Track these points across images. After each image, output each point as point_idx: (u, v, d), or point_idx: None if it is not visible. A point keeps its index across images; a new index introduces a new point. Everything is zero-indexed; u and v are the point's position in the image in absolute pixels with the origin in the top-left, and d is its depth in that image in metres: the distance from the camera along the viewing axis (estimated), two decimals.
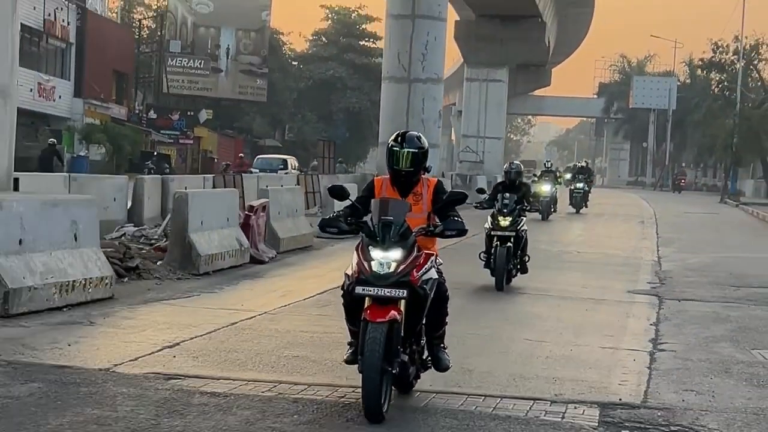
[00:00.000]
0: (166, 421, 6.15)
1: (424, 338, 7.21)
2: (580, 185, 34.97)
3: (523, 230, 14.61)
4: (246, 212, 15.98)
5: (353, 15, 79.42)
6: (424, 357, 7.29)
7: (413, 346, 7.01)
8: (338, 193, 7.34)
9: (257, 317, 10.58)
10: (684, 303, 13.55)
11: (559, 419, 6.74)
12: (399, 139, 7.29)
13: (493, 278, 14.01)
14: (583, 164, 37.98)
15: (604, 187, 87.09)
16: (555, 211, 32.34)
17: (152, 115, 58.34)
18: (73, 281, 10.48)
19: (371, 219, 6.97)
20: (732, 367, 8.99)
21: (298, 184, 27.51)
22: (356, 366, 6.57)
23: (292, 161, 45.88)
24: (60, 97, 46.78)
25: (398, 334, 6.60)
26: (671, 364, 8.99)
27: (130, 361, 8.01)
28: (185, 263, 13.72)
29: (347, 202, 7.28)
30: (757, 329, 11.41)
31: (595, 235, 26.08)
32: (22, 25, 42.48)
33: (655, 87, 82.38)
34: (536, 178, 32.29)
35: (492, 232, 14.41)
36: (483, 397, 7.26)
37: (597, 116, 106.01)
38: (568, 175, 38.47)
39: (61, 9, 46.69)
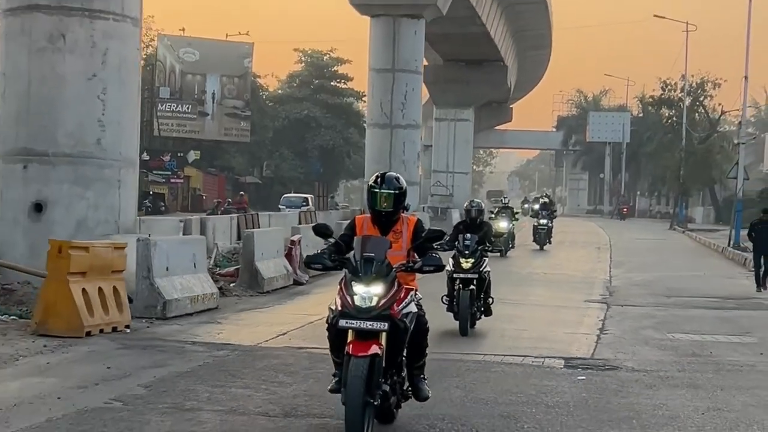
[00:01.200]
0: (319, 364, 10.73)
1: (405, 369, 7.59)
2: (543, 221, 34.66)
3: (486, 272, 14.39)
4: (289, 245, 20.56)
5: (325, 58, 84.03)
6: (405, 387, 7.67)
7: (394, 377, 7.40)
8: (322, 231, 7.75)
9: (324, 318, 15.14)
10: (625, 307, 18.23)
11: (540, 364, 11.36)
12: (379, 180, 7.71)
13: (457, 322, 13.82)
14: (546, 200, 38.50)
15: (565, 216, 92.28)
16: (513, 247, 32.25)
17: (145, 156, 62.58)
18: (197, 295, 15.02)
19: (354, 256, 7.32)
20: (649, 341, 13.68)
21: (300, 222, 32.03)
22: (341, 395, 7.05)
23: (311, 199, 51.25)
24: None
25: (380, 368, 7.00)
26: (610, 340, 13.65)
27: (264, 341, 12.55)
28: (253, 284, 18.29)
29: (331, 240, 7.67)
30: (674, 322, 16.11)
31: (558, 260, 30.68)
32: None
33: (610, 122, 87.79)
34: (493, 215, 31.54)
35: (454, 275, 14.11)
36: (494, 355, 11.87)
37: (556, 148, 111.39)
38: (536, 206, 38.26)
39: None
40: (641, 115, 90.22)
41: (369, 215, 7.83)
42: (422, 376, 7.79)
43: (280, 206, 47.00)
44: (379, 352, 6.97)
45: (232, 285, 18.26)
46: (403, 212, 7.83)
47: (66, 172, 15.65)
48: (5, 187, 15.96)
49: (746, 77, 35.00)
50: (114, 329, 12.56)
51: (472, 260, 14.09)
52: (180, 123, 66.40)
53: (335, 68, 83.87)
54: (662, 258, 33.20)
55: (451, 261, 14.03)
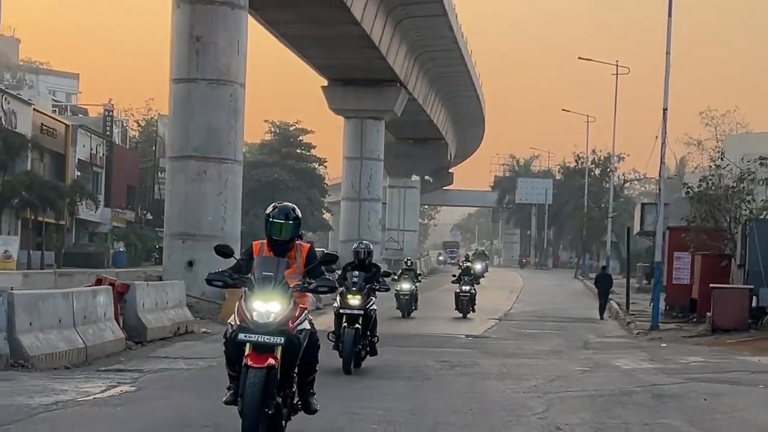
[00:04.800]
0: None
1: (296, 384, 8.28)
2: (466, 288, 33.15)
3: (372, 309, 14.59)
4: None
5: (292, 128, 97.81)
6: (295, 401, 8.38)
7: (286, 390, 8.07)
8: (223, 251, 8.51)
9: None
10: (509, 321, 32.11)
11: (453, 336, 25.12)
12: (276, 211, 8.41)
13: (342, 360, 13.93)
14: (469, 263, 39.46)
15: (500, 266, 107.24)
16: (416, 308, 32.40)
17: (149, 216, 75.96)
18: None
19: (253, 275, 8.03)
20: (510, 332, 27.49)
21: None
22: (237, 407, 7.79)
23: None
24: (97, 208, 64.32)
25: (275, 379, 7.70)
26: (492, 332, 27.38)
27: None
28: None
29: (232, 259, 8.45)
30: (529, 327, 29.79)
31: (478, 298, 44.36)
32: (78, 159, 60.55)
33: (536, 186, 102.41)
34: (396, 277, 31.34)
35: (340, 311, 14.22)
36: (429, 334, 25.61)
37: (492, 206, 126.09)
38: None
39: (100, 145, 64.66)
40: (563, 179, 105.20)
41: (266, 241, 8.44)
42: (312, 390, 8.50)
43: None
44: (275, 364, 7.66)
45: None
46: (297, 240, 8.49)
47: (205, 244, 29.04)
48: (171, 253, 29.55)
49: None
50: None
51: (359, 297, 14.33)
52: None
53: (300, 138, 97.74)
54: (553, 297, 47.31)
55: (338, 297, 14.49)
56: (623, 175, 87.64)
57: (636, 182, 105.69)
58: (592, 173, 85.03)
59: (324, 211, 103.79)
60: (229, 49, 29.24)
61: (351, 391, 12.52)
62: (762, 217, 28.49)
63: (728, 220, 29.41)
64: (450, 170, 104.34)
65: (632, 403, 11.46)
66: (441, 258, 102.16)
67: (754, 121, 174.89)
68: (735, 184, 29.75)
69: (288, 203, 8.60)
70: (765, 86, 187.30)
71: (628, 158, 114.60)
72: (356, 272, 14.51)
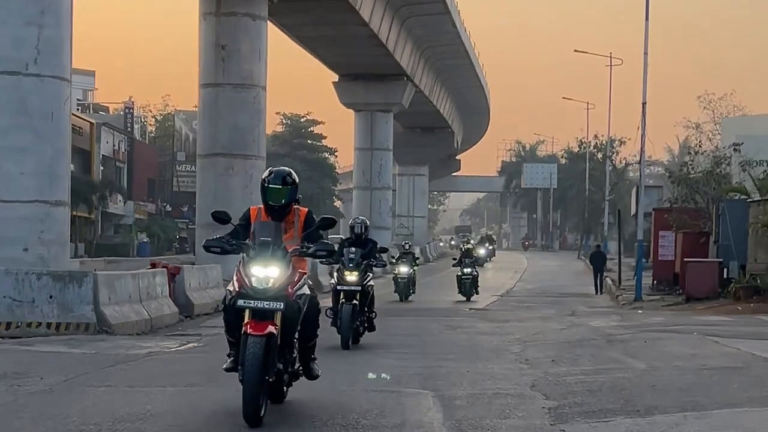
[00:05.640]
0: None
1: (297, 350, 8.35)
2: (468, 270, 32.73)
3: (369, 285, 14.59)
4: None
5: (302, 120, 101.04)
6: (296, 367, 8.43)
7: (287, 356, 8.15)
8: (220, 217, 8.57)
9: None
10: (510, 297, 35.30)
11: (458, 309, 28.32)
12: (272, 177, 8.37)
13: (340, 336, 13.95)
14: (469, 246, 41.85)
15: (508, 249, 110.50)
16: (414, 292, 32.28)
17: (168, 208, 79.28)
18: None
19: (252, 240, 8.11)
20: (509, 305, 30.68)
21: None
22: (237, 374, 7.81)
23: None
24: (125, 202, 67.67)
25: (275, 346, 7.74)
26: (494, 305, 30.55)
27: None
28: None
29: (230, 227, 8.53)
30: (528, 301, 32.99)
31: (485, 278, 47.45)
32: (102, 155, 63.83)
33: (540, 171, 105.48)
34: (394, 260, 32.75)
35: (338, 287, 14.24)
36: (438, 308, 28.83)
37: (500, 191, 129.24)
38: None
39: (122, 141, 67.99)
40: (567, 164, 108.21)
41: (262, 206, 8.53)
42: (313, 356, 8.66)
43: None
44: (275, 331, 7.73)
45: None
46: (294, 204, 8.55)
47: None
48: (202, 241, 32.67)
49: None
50: None
51: (357, 273, 14.34)
52: (194, 180, 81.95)
53: (311, 129, 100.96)
54: (553, 276, 50.50)
55: (335, 274, 14.68)
56: (625, 159, 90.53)
57: (639, 164, 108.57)
58: (595, 157, 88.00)
59: (335, 199, 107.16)
60: (251, 56, 32.43)
61: (369, 342, 14.89)
62: (736, 197, 31.54)
63: (706, 201, 32.52)
64: (457, 157, 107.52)
65: (588, 345, 14.69)
66: (453, 242, 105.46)
67: (751, 103, 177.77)
68: (712, 168, 32.86)
69: (284, 167, 8.66)
70: (762, 70, 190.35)
71: (629, 142, 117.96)
72: (353, 248, 14.54)
